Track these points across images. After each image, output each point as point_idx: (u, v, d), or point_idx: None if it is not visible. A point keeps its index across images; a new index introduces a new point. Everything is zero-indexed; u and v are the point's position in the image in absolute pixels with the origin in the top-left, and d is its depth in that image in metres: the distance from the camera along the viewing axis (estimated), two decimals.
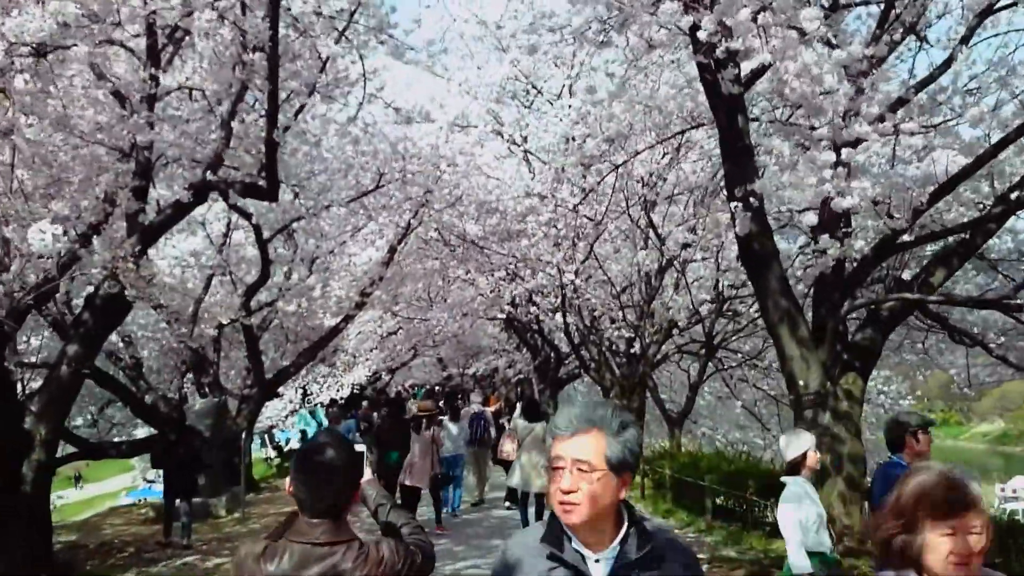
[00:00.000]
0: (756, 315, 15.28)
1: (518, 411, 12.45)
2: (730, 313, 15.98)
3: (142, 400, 15.95)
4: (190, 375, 18.14)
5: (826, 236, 8.13)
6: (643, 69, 11.48)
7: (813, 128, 8.82)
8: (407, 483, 11.37)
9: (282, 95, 8.10)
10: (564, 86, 15.38)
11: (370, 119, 12.03)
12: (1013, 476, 58.36)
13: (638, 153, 10.74)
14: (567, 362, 25.40)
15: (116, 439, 19.79)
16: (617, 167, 10.31)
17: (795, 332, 8.40)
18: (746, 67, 8.14)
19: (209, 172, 8.16)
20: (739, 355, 17.70)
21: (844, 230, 8.79)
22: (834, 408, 8.59)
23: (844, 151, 7.56)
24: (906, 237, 8.51)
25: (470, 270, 20.85)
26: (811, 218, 8.14)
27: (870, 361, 9.04)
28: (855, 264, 8.71)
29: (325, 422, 17.92)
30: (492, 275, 20.27)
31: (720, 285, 14.07)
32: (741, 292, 14.70)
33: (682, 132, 10.41)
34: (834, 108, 8.44)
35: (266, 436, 31.51)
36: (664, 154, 12.86)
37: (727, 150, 8.42)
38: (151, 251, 18.86)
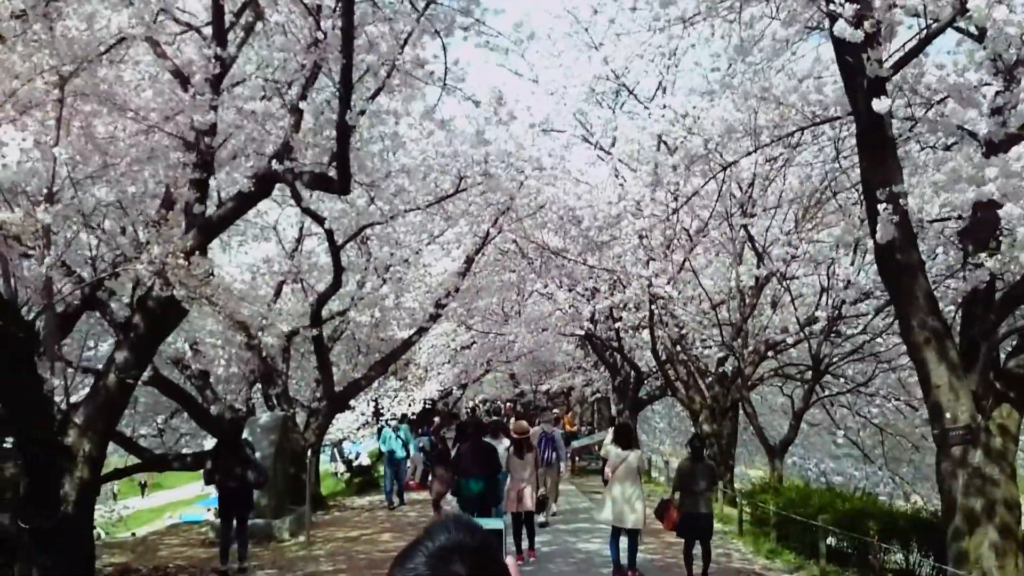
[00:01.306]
0: (868, 338, 13.96)
1: (609, 436, 11.36)
2: (834, 335, 14.64)
3: (207, 410, 15.32)
4: (259, 386, 17.53)
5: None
6: (752, 64, 10.39)
7: (960, 128, 7.67)
8: (518, 510, 10.86)
9: (357, 73, 7.22)
10: (659, 84, 14.30)
11: (448, 116, 11.08)
12: None
13: (751, 152, 9.56)
14: (647, 382, 24.18)
15: (185, 450, 19.27)
16: (725, 167, 9.18)
17: (944, 357, 7.18)
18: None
19: (275, 161, 7.32)
20: (843, 380, 16.29)
21: (998, 239, 7.58)
22: (986, 445, 7.32)
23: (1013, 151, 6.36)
24: None
25: (548, 284, 19.90)
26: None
27: None
28: (1019, 280, 7.46)
29: (413, 441, 17.08)
30: (571, 290, 19.27)
31: (833, 302, 12.75)
32: (849, 311, 13.35)
33: (801, 129, 9.20)
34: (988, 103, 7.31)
35: (335, 450, 30.89)
36: (772, 158, 11.65)
37: (866, 144, 7.27)
38: (222, 256, 18.50)
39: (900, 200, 6.79)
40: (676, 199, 10.90)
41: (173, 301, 7.13)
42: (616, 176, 13.44)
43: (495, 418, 26.50)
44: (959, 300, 8.65)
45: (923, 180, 8.44)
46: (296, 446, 15.92)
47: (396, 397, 28.13)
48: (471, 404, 43.95)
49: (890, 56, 6.89)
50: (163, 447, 19.07)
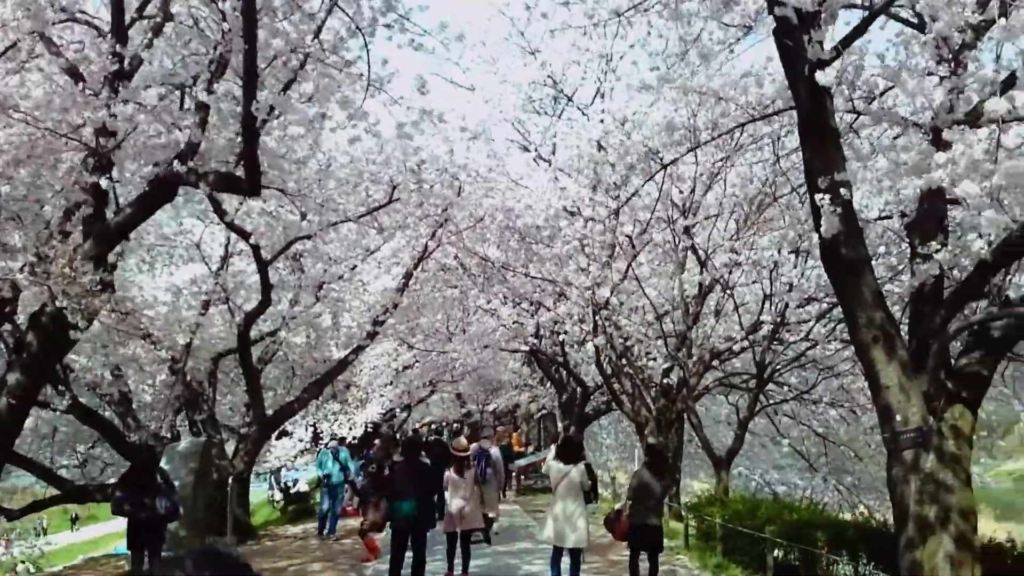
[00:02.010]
0: (811, 344, 13.73)
1: (552, 452, 10.91)
2: (777, 342, 14.37)
3: (126, 438, 14.53)
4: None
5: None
6: (691, 64, 10.10)
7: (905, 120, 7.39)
8: (458, 530, 10.51)
9: (265, 62, 6.68)
10: (597, 90, 13.95)
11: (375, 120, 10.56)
12: None
13: (691, 150, 9.19)
14: (594, 397, 23.79)
15: (111, 481, 18.35)
16: (664, 167, 8.80)
17: (893, 356, 6.82)
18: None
19: (177, 162, 6.73)
20: (786, 388, 16.06)
21: (946, 232, 7.30)
22: (939, 448, 6.96)
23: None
24: None
25: (491, 299, 19.41)
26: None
27: (980, 391, 7.39)
28: (969, 272, 7.15)
29: (352, 465, 16.21)
30: (516, 304, 18.80)
31: (776, 308, 12.46)
32: (792, 316, 13.10)
33: (742, 126, 8.86)
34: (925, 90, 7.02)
35: (273, 478, 29.95)
36: (717, 160, 11.32)
37: (808, 133, 6.92)
38: (146, 279, 17.70)
39: (843, 190, 6.45)
40: (616, 199, 10.51)
41: (64, 318, 6.48)
42: (556, 181, 13.05)
43: (436, 437, 25.93)
44: (905, 299, 8.38)
45: (865, 176, 8.11)
46: (224, 473, 15.18)
47: (336, 421, 27.35)
48: (417, 426, 43.23)
49: (833, 47, 6.55)
50: (85, 478, 18.13)
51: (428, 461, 11.26)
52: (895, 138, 7.92)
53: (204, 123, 6.97)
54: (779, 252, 11.46)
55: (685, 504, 14.19)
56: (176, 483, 11.07)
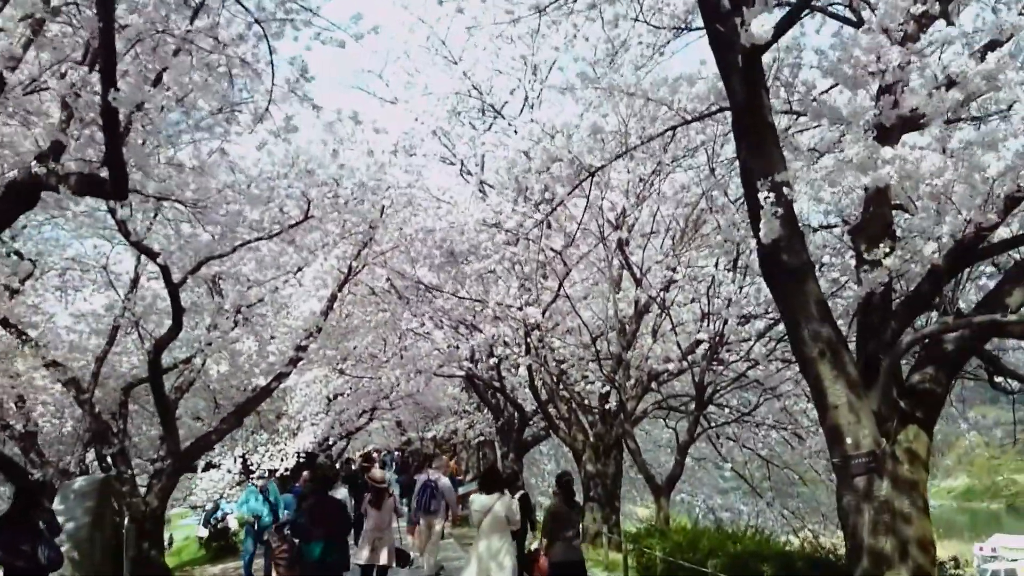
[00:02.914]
0: (750, 364, 13.20)
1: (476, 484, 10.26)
2: (716, 363, 13.81)
3: (26, 474, 13.41)
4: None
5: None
6: (617, 68, 9.56)
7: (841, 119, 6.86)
8: (370, 562, 9.88)
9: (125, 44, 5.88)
10: (525, 98, 13.37)
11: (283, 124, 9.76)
12: (981, 533, 56.20)
13: (620, 155, 8.57)
14: (532, 423, 23.06)
15: None
16: (592, 173, 8.16)
17: (841, 372, 6.23)
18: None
19: (35, 163, 5.88)
20: (727, 410, 15.51)
21: (894, 237, 6.77)
22: (893, 474, 6.38)
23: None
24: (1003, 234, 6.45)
25: (424, 322, 18.62)
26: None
27: (935, 409, 6.83)
28: (919, 280, 6.60)
29: (282, 501, 14.92)
30: (455, 328, 18.00)
31: (715, 326, 11.90)
32: (731, 335, 12.55)
33: (673, 128, 8.26)
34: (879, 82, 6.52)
35: (205, 513, 28.56)
36: (649, 172, 10.72)
37: (744, 130, 6.34)
38: (56, 305, 16.60)
39: (784, 189, 5.86)
40: (541, 211, 9.84)
41: None
42: (480, 194, 12.38)
43: (365, 465, 24.94)
44: (852, 313, 7.84)
45: (808, 177, 7.56)
46: (135, 512, 14.13)
47: (267, 452, 26.17)
48: (358, 455, 41.98)
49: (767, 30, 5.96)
50: None
51: (342, 496, 10.41)
52: (838, 140, 7.37)
53: (69, 121, 6.13)
54: (716, 266, 10.91)
55: (626, 534, 13.49)
56: (71, 524, 10.10)
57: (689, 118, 7.86)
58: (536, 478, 30.52)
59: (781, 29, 5.91)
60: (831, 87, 7.47)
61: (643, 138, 8.29)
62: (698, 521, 16.16)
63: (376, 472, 10.91)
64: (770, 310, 11.27)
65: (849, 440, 6.30)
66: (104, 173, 5.93)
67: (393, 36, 13.74)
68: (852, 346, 6.87)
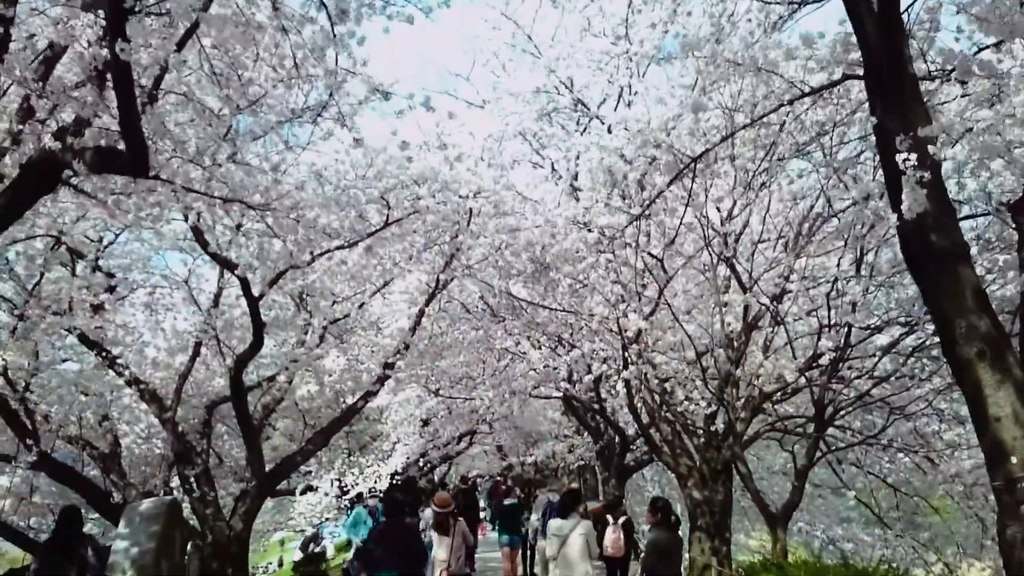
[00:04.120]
0: (875, 381, 11.80)
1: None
2: (836, 380, 12.44)
3: (106, 496, 13.06)
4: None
5: None
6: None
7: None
8: None
9: None
10: (619, 97, 12.37)
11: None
12: None
13: (726, 138, 7.45)
14: (634, 447, 21.85)
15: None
16: (695, 159, 7.09)
17: (1005, 376, 5.05)
18: None
19: (52, 139, 5.24)
20: (849, 433, 14.04)
21: None
22: None
23: None
24: None
25: (519, 340, 17.73)
26: None
27: None
28: None
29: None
30: (554, 348, 17.04)
31: (837, 335, 10.57)
32: (857, 346, 11.21)
33: (790, 103, 7.10)
34: None
35: (304, 538, 28.22)
36: (757, 168, 9.53)
37: (879, 86, 5.25)
38: (140, 322, 16.37)
39: (930, 148, 4.74)
40: (633, 206, 8.79)
41: None
42: (570, 192, 11.43)
43: (464, 487, 24.26)
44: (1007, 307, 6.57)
45: (949, 161, 6.36)
46: (219, 535, 13.61)
47: (360, 474, 25.66)
48: (460, 478, 41.46)
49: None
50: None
51: (419, 520, 9.63)
52: (990, 103, 6.16)
53: (102, 88, 5.47)
54: (838, 265, 9.67)
55: (738, 568, 12.22)
56: (135, 549, 9.54)
57: (807, 90, 6.75)
58: (640, 506, 29.13)
59: None
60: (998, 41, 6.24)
61: (753, 117, 7.21)
62: (820, 554, 14.64)
63: (441, 495, 10.11)
64: (901, 316, 9.98)
65: (1015, 459, 5.10)
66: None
67: (478, 34, 12.88)
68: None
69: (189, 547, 11.72)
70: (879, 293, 10.13)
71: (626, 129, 9.87)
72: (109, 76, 5.20)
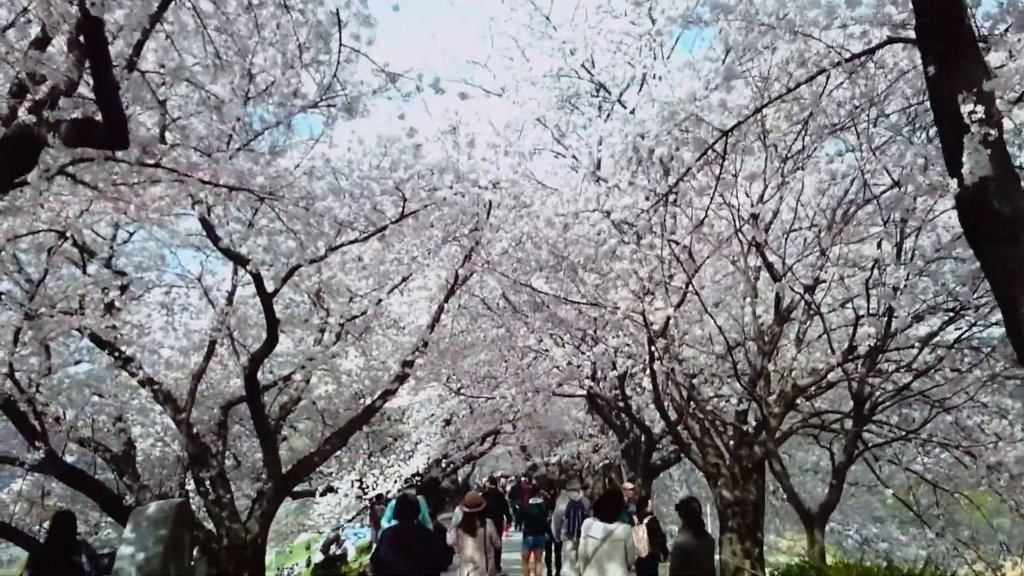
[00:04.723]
0: (915, 373, 11.23)
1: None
2: (874, 373, 11.86)
3: (118, 500, 12.73)
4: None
5: None
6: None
7: None
8: None
9: None
10: (643, 80, 11.88)
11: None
12: None
13: (760, 108, 6.93)
14: (660, 446, 21.33)
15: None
16: (725, 133, 6.58)
17: None
18: None
19: (26, 111, 4.84)
20: (885, 428, 13.44)
21: None
22: None
23: None
24: None
25: (542, 338, 17.25)
26: None
27: None
28: None
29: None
30: (576, 346, 16.55)
31: (877, 323, 9.99)
32: (899, 336, 10.63)
33: (826, 71, 6.53)
34: None
35: (326, 540, 27.86)
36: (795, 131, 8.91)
37: (934, 40, 4.75)
38: (157, 322, 16.06)
39: (992, 107, 4.25)
40: (664, 181, 8.23)
41: None
42: (593, 176, 10.94)
43: (491, 487, 23.91)
44: None
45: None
46: (235, 538, 13.27)
47: (381, 475, 25.24)
48: (485, 480, 41.16)
49: None
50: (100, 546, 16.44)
51: (430, 525, 9.25)
52: None
53: (82, 63, 5.05)
54: (879, 246, 9.12)
55: (772, 573, 11.69)
56: (142, 555, 9.18)
57: (848, 55, 6.24)
58: (667, 506, 28.59)
59: None
60: None
61: (788, 86, 6.69)
62: (862, 557, 14.04)
63: (471, 495, 9.75)
64: (945, 302, 9.42)
65: None
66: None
67: (494, 15, 12.39)
68: None
69: (196, 552, 11.33)
70: (919, 281, 9.57)
71: (652, 101, 9.32)
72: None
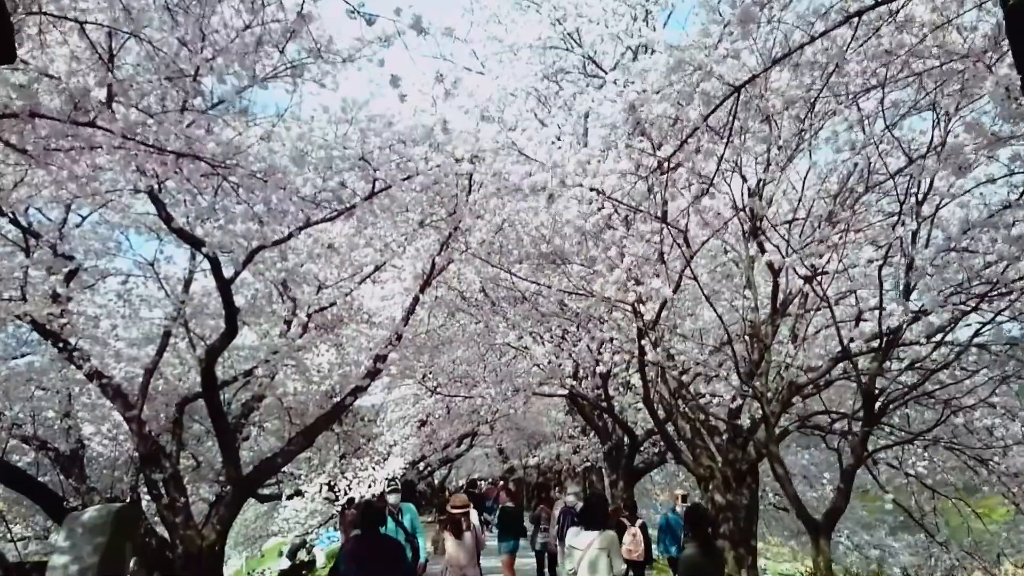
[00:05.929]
0: (930, 370, 10.38)
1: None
2: (878, 373, 10.97)
3: (60, 502, 11.71)
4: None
5: None
6: None
7: None
8: None
9: None
10: (635, 55, 11.05)
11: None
12: None
13: (778, 60, 6.03)
14: (643, 448, 20.54)
15: None
16: (737, 88, 5.71)
17: None
18: None
19: None
20: (887, 430, 12.60)
21: None
22: None
23: None
24: None
25: (521, 335, 16.34)
26: None
27: None
28: None
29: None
30: (560, 344, 15.66)
31: (897, 303, 9.10)
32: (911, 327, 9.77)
33: (859, 14, 5.63)
34: None
35: (292, 546, 26.79)
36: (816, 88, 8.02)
37: None
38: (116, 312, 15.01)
39: None
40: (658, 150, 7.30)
41: None
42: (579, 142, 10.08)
43: (470, 490, 23.12)
44: None
45: None
46: (190, 545, 12.27)
47: (354, 478, 24.19)
48: (463, 482, 40.45)
49: None
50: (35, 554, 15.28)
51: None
52: None
53: None
54: (893, 228, 8.27)
55: None
56: (75, 566, 8.18)
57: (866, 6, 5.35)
58: (648, 509, 27.78)
59: None
60: None
61: (813, 35, 5.78)
62: (871, 567, 13.21)
63: (458, 496, 9.08)
64: (969, 285, 8.59)
65: None
66: None
67: None
68: None
69: (132, 563, 10.32)
70: (948, 260, 8.73)
71: (645, 72, 8.35)
72: None
